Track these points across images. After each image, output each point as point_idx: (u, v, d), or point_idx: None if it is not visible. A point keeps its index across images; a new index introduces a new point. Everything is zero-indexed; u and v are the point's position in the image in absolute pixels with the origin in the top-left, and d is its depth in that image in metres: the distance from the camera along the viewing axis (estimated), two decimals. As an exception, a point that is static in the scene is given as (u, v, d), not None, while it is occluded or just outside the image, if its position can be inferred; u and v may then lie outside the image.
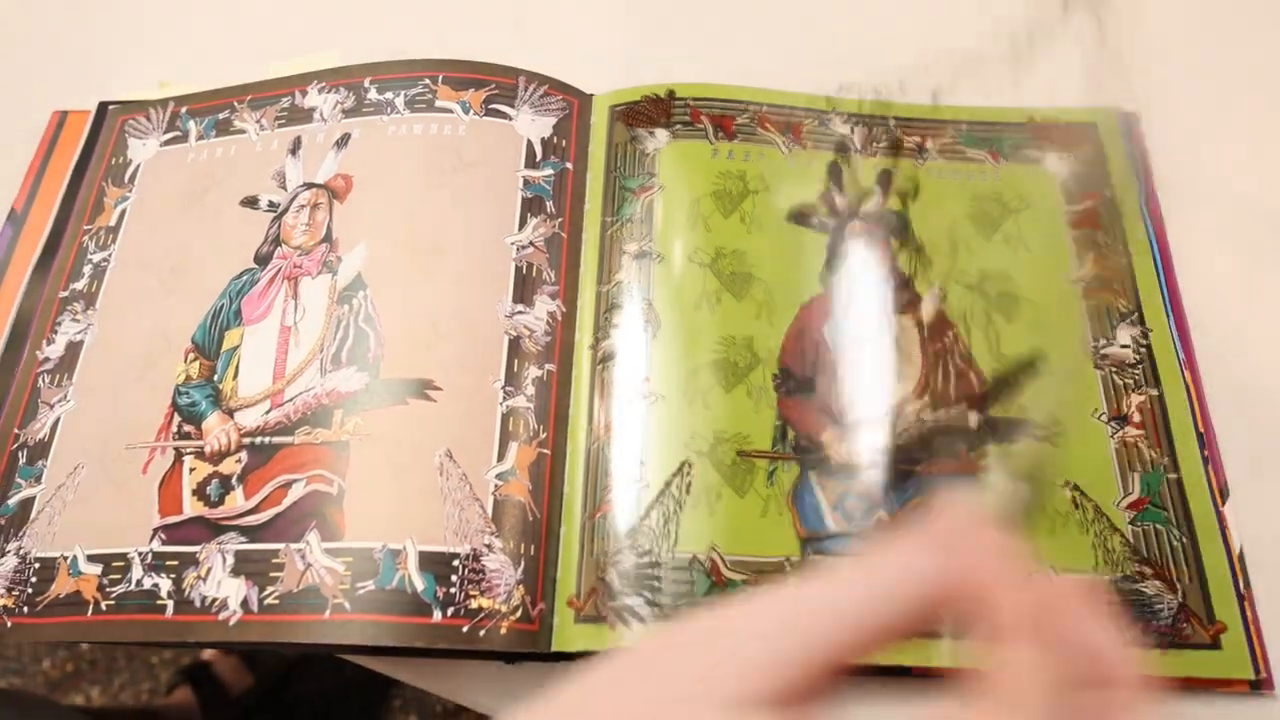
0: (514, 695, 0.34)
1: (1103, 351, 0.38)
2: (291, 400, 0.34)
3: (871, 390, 0.37)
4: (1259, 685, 0.33)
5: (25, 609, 0.32)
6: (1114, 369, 0.38)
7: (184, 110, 0.44)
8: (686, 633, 0.19)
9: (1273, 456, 0.37)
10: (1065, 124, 0.43)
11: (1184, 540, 0.35)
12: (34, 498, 0.34)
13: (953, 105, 0.44)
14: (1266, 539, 0.35)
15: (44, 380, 0.37)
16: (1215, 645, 0.33)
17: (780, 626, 0.18)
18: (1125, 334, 0.38)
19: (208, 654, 0.96)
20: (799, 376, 0.37)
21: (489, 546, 0.31)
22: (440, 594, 0.30)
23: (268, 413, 0.34)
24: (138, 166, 0.43)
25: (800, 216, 0.40)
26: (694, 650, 0.18)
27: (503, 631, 0.30)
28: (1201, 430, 0.37)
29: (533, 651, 0.33)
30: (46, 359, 0.38)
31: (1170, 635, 0.33)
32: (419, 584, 0.30)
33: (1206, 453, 0.36)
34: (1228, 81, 0.46)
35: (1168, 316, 0.39)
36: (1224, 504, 0.36)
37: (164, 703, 0.93)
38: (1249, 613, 0.34)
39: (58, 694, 1.01)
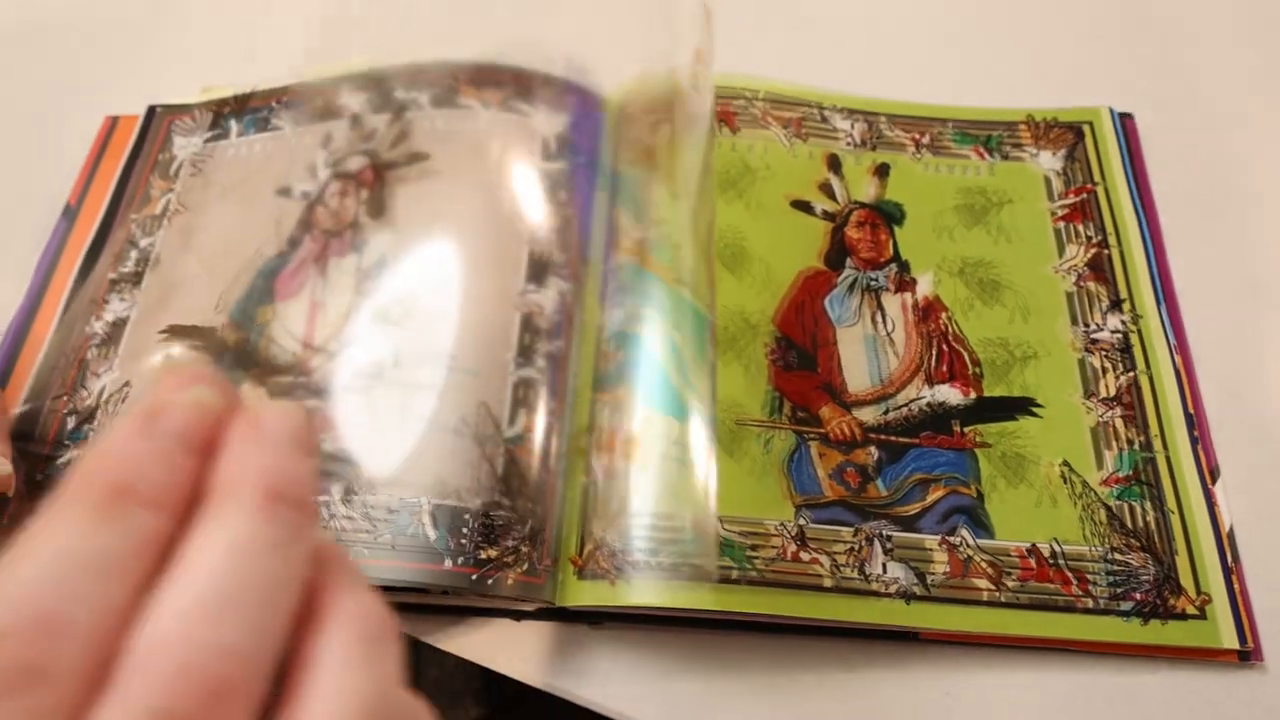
0: (523, 653, 0.36)
1: (1092, 337, 0.39)
2: (321, 368, 0.37)
3: (870, 368, 0.38)
4: (1247, 656, 0.34)
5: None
6: (1104, 353, 0.39)
7: (226, 111, 0.47)
8: None
9: (1266, 440, 0.38)
10: (1061, 123, 0.45)
11: (1170, 516, 0.36)
12: (81, 458, 0.37)
13: (952, 105, 0.46)
14: (1256, 518, 0.36)
15: (92, 353, 0.40)
16: (1202, 616, 0.34)
17: None
18: (1114, 320, 0.40)
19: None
20: (799, 348, 0.38)
21: (498, 504, 0.33)
22: (451, 544, 0.32)
23: (298, 378, 0.37)
24: (182, 161, 0.46)
25: (803, 204, 0.42)
26: None
27: (509, 582, 0.32)
28: (1191, 411, 0.38)
29: (539, 608, 0.35)
30: (95, 334, 0.41)
31: (1155, 605, 0.34)
32: (432, 534, 0.32)
33: (1196, 433, 0.37)
34: (1231, 77, 0.48)
35: (1158, 304, 0.40)
36: (1214, 483, 0.37)
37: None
38: (1237, 586, 0.35)
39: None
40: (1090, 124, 0.45)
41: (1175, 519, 0.36)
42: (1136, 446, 0.37)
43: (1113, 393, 0.38)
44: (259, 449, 0.17)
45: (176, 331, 0.39)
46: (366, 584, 0.17)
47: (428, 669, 1.04)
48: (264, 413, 0.17)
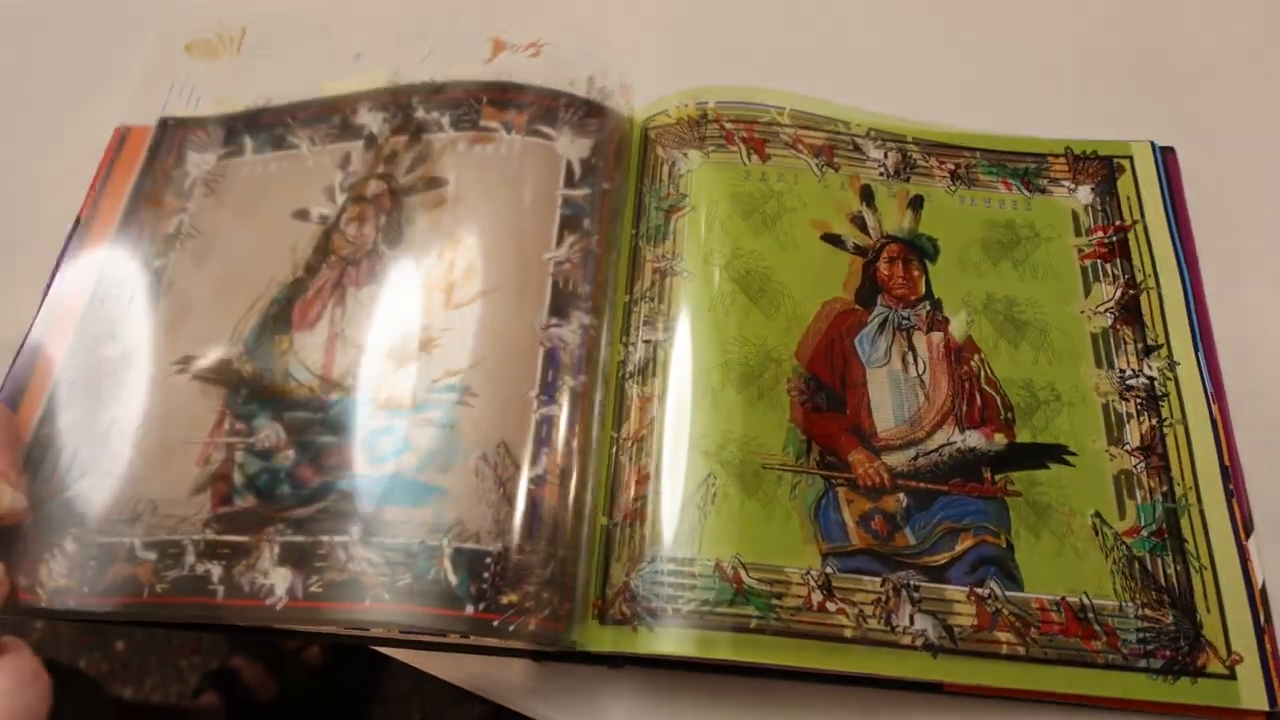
0: (542, 694, 0.35)
1: (1127, 383, 0.38)
2: (339, 402, 0.36)
3: (899, 411, 0.37)
4: (1277, 718, 0.33)
5: (85, 589, 0.34)
6: (1137, 399, 0.38)
7: (240, 126, 0.46)
8: None
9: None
10: (1100, 156, 0.44)
11: (1202, 572, 0.35)
12: (93, 487, 0.36)
13: (985, 133, 0.44)
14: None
15: (105, 380, 0.39)
16: (1230, 676, 0.33)
17: None
18: (1150, 365, 0.39)
19: (235, 660, 0.98)
20: (828, 389, 0.38)
21: (520, 547, 0.33)
22: (473, 589, 0.32)
23: (315, 413, 0.36)
24: (195, 179, 0.45)
25: (834, 238, 0.41)
26: None
27: (531, 627, 0.32)
28: (1228, 464, 0.37)
29: (559, 650, 0.34)
30: (108, 358, 0.40)
31: (1183, 663, 0.33)
32: (453, 579, 0.32)
33: (1231, 486, 0.37)
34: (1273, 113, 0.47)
35: (1196, 350, 0.39)
36: (1247, 538, 0.36)
37: (191, 705, 0.96)
38: (1269, 646, 0.34)
39: (91, 693, 1.04)
40: (1130, 158, 0.43)
41: (1207, 575, 0.35)
42: (1160, 497, 0.36)
43: (1141, 441, 0.37)
44: None
45: (191, 363, 0.38)
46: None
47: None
48: None
